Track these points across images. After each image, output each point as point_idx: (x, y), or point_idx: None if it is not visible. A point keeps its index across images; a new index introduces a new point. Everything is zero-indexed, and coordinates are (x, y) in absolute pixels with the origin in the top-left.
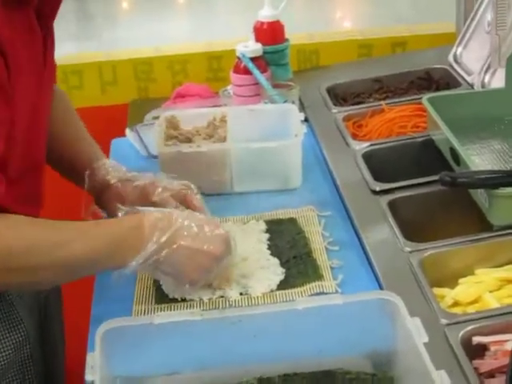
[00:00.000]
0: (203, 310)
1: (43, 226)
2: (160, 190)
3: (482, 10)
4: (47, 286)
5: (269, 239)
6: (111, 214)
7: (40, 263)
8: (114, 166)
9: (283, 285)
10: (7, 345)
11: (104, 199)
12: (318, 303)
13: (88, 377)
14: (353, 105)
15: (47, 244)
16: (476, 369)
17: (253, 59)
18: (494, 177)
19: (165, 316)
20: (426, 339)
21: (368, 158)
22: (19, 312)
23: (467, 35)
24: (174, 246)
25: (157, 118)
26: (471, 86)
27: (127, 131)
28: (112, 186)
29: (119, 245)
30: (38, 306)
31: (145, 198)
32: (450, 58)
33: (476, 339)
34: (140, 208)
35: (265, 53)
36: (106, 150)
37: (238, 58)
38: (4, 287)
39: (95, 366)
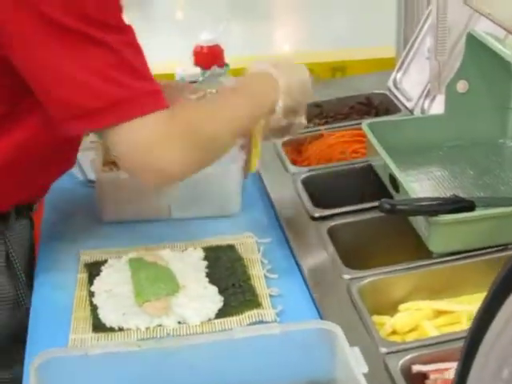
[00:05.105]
0: (140, 339)
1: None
2: None
3: (421, 35)
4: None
5: (207, 267)
6: None
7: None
8: None
9: (222, 313)
10: None
11: None
12: (255, 333)
13: None
14: None
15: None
16: None
17: (192, 83)
18: (433, 204)
19: (100, 347)
20: (365, 369)
21: (307, 183)
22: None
23: (407, 61)
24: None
25: (94, 141)
26: (411, 111)
27: None
28: None
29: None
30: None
31: None
32: (390, 83)
33: (416, 368)
34: None
35: None
36: None
37: None
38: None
39: None
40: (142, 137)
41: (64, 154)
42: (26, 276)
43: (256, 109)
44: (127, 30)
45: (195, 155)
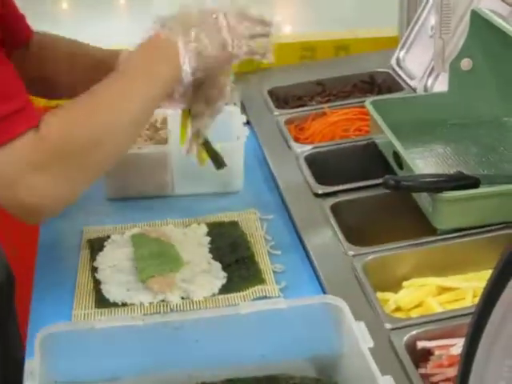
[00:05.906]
0: (144, 314)
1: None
2: None
3: (425, 14)
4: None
5: (210, 242)
6: None
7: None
8: None
9: (225, 289)
10: None
11: None
12: (261, 308)
13: None
14: (295, 108)
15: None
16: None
17: None
18: (438, 180)
19: (106, 321)
20: (371, 344)
21: (310, 160)
22: None
23: (410, 39)
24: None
25: None
26: (414, 89)
27: None
28: None
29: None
30: None
31: None
32: (393, 61)
33: (420, 344)
34: None
35: None
36: None
37: None
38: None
39: (34, 372)
40: (3, 170)
41: None
42: None
43: (151, 88)
44: None
45: (76, 176)
